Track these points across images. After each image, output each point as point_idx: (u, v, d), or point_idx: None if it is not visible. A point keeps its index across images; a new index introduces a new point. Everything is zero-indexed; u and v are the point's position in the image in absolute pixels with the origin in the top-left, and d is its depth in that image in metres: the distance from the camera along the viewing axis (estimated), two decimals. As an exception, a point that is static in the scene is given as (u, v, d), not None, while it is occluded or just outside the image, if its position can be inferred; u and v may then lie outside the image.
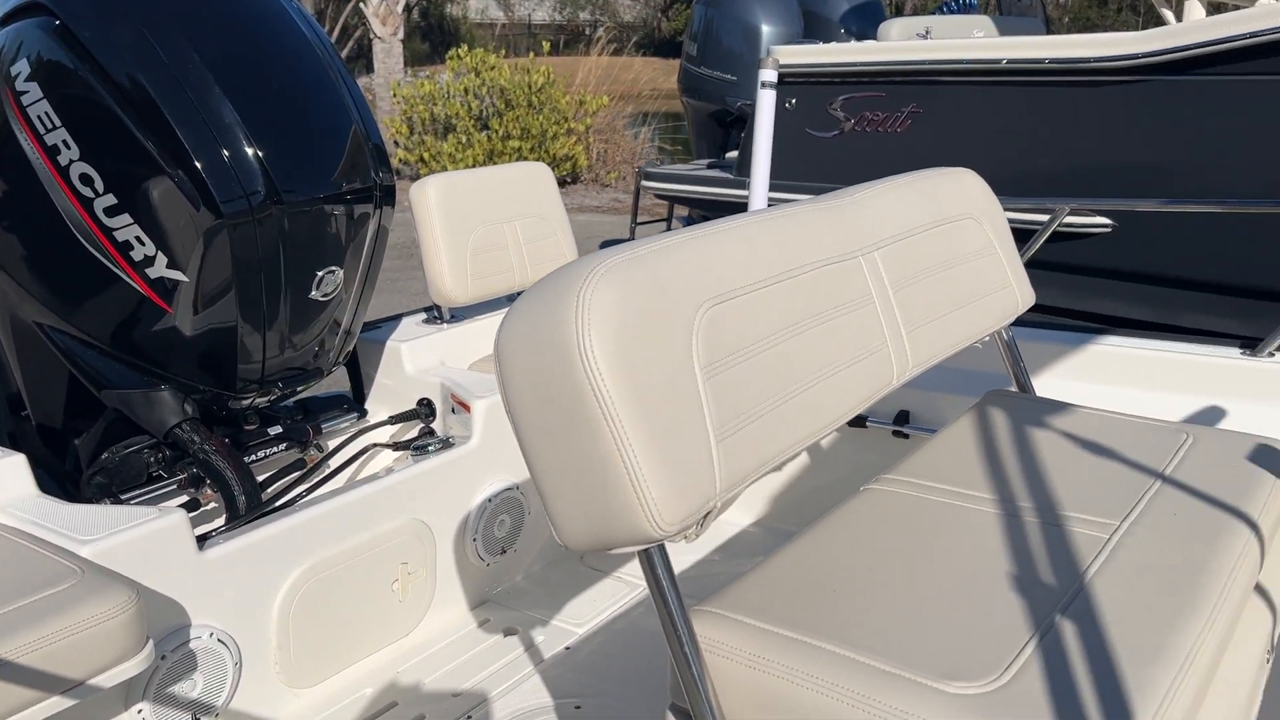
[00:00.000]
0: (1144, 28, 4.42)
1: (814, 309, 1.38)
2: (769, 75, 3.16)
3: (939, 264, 1.71)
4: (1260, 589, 1.48)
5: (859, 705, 1.09)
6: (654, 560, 1.13)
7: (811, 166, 5.06)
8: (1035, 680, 1.08)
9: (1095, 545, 1.37)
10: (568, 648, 2.37)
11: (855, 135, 4.95)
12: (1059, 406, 1.88)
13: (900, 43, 4.75)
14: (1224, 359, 2.32)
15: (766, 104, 3.15)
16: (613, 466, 1.06)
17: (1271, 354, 2.32)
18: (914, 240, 1.66)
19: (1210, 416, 2.30)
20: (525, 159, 11.12)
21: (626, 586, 2.64)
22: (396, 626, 2.36)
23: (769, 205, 3.52)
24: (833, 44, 5.14)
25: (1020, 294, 1.92)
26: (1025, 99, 4.38)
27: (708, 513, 1.13)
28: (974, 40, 4.50)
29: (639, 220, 6.40)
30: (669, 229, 6.74)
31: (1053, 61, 4.23)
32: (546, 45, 12.35)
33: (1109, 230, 4.26)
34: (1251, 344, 2.36)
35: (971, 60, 4.45)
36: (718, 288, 1.23)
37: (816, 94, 5.07)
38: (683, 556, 2.80)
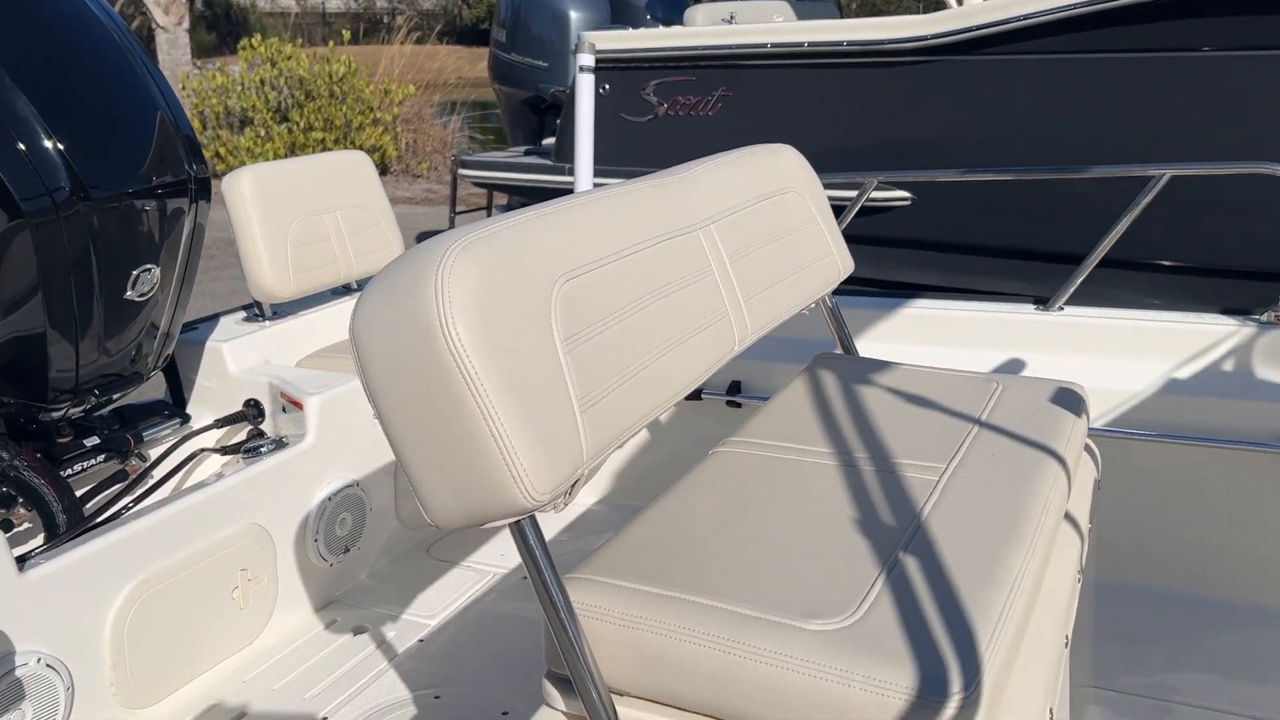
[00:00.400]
0: (924, 12, 4.71)
1: (660, 282, 1.43)
2: (586, 60, 3.20)
3: (768, 236, 1.79)
4: (1069, 516, 1.64)
5: (730, 650, 1.14)
6: (526, 531, 1.15)
7: (628, 151, 5.14)
8: (887, 612, 1.17)
9: (927, 488, 1.48)
10: (421, 640, 2.35)
11: (669, 119, 5.06)
12: (882, 365, 2.00)
13: (708, 28, 4.89)
14: (1021, 315, 2.53)
15: (586, 89, 3.18)
16: (482, 441, 1.07)
17: (1060, 308, 2.54)
18: (745, 214, 1.73)
19: (1014, 366, 2.50)
20: (331, 151, 10.75)
21: (475, 575, 2.64)
22: (239, 635, 2.28)
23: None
24: (644, 29, 5.23)
25: (841, 262, 2.04)
26: (827, 81, 4.59)
27: (575, 481, 1.16)
28: (777, 25, 4.68)
29: (457, 210, 6.33)
30: (489, 215, 6.67)
31: (850, 44, 4.45)
32: (346, 34, 11.98)
33: (908, 204, 4.53)
34: (1043, 301, 2.58)
35: (775, 44, 4.63)
36: (571, 263, 1.25)
37: (629, 79, 5.14)
38: (582, 540, 2.81)
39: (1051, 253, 4.12)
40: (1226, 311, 2.43)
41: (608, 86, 5.25)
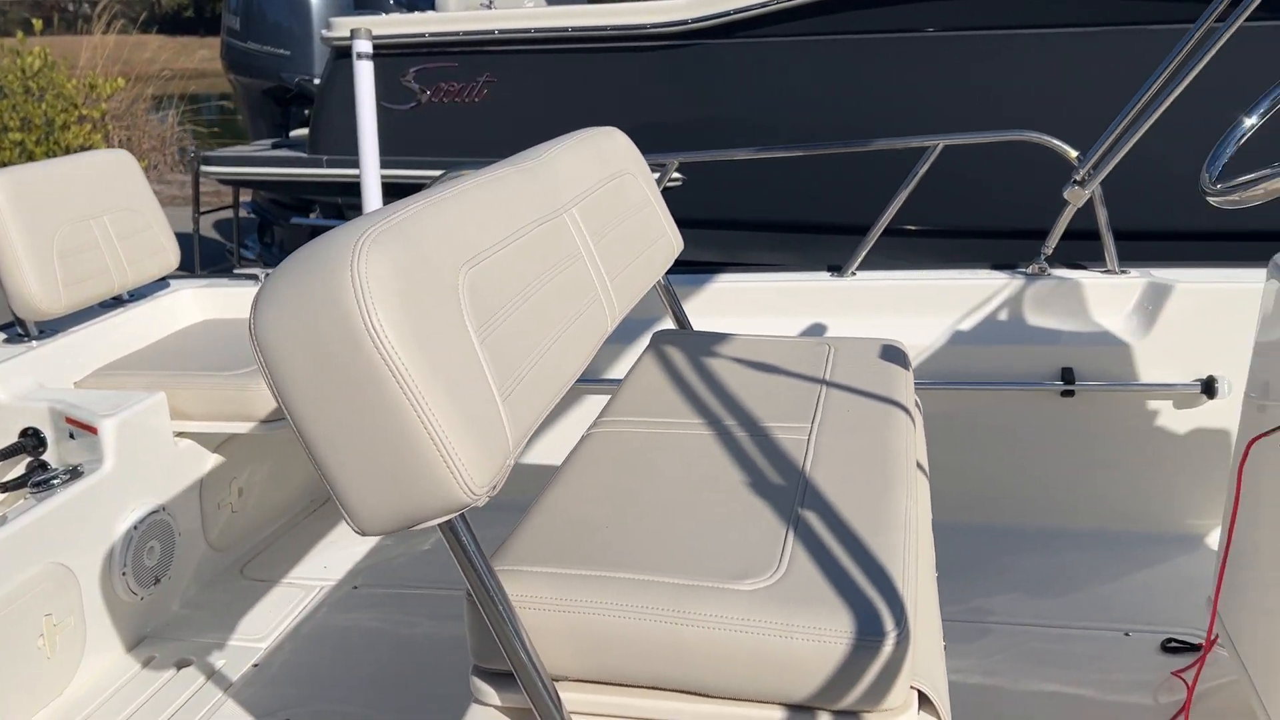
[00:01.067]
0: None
1: (545, 266, 1.42)
2: (364, 46, 3.08)
3: (617, 217, 1.81)
4: (916, 461, 1.78)
5: (671, 620, 1.16)
6: (458, 528, 1.12)
7: (393, 140, 4.99)
8: (807, 565, 1.23)
9: (800, 446, 1.56)
10: (256, 665, 2.21)
11: (434, 107, 4.95)
12: (720, 337, 2.08)
13: (469, 13, 4.82)
14: (821, 283, 2.69)
15: (366, 78, 3.07)
16: (417, 438, 1.03)
17: (854, 274, 2.73)
18: (596, 196, 1.75)
19: (817, 330, 2.66)
20: (31, 153, 9.73)
21: (300, 591, 2.51)
22: (48, 686, 2.05)
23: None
24: (398, 15, 5.08)
25: (674, 240, 2.09)
26: (591, 65, 4.65)
27: (504, 472, 1.14)
28: (540, 10, 4.68)
29: (202, 210, 5.91)
30: (236, 215, 6.27)
31: (613, 28, 4.52)
32: (38, 24, 10.83)
33: (679, 184, 4.68)
34: (837, 268, 2.76)
35: (539, 29, 4.63)
36: (468, 251, 1.22)
37: (386, 67, 4.99)
38: (408, 544, 2.70)
39: (818, 224, 4.39)
40: (997, 267, 2.69)
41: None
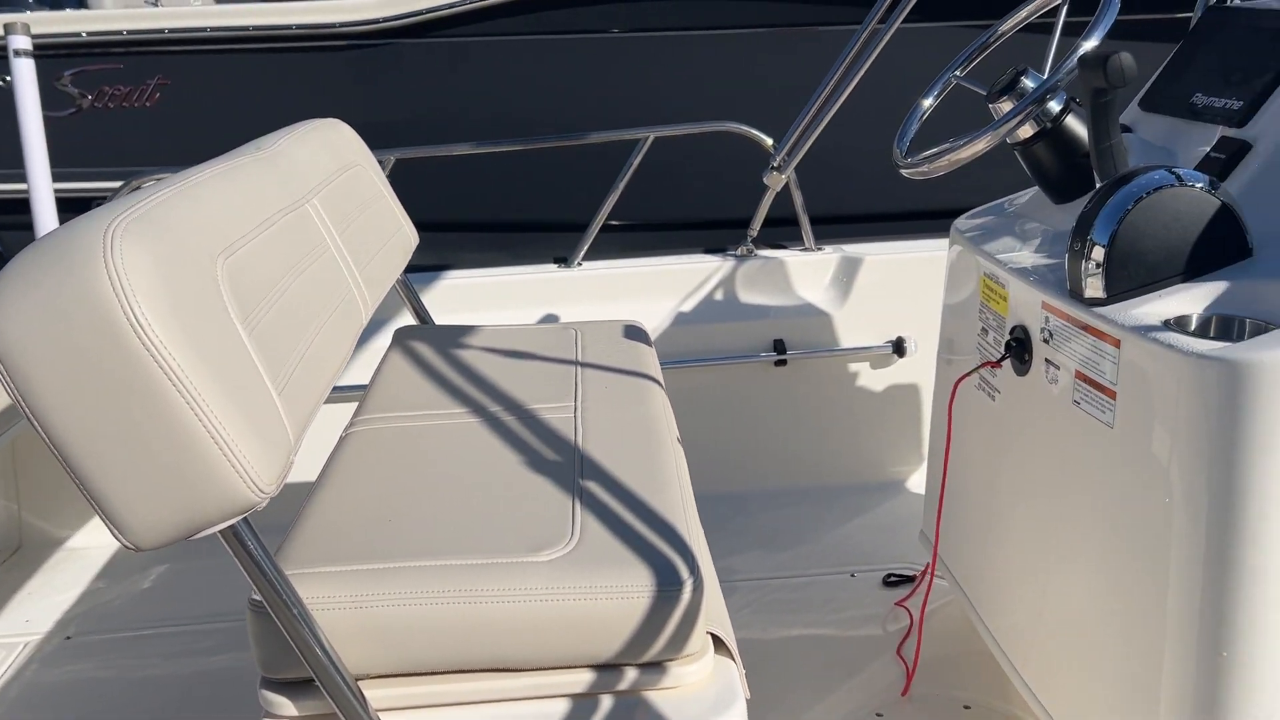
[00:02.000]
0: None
1: (297, 256, 1.36)
2: (21, 43, 2.78)
3: (355, 209, 1.76)
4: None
5: (473, 600, 1.16)
6: (243, 532, 1.05)
7: (51, 151, 4.49)
8: (600, 530, 1.26)
9: (569, 424, 1.59)
10: None
11: (98, 112, 4.52)
12: (464, 329, 2.07)
13: (133, 10, 4.44)
14: (551, 274, 2.74)
15: (26, 77, 2.77)
16: (195, 438, 0.96)
17: (580, 264, 2.80)
18: (334, 187, 1.69)
19: (556, 319, 2.71)
20: None
21: (1, 650, 2.22)
22: None
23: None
24: (45, 13, 4.58)
25: (410, 234, 2.06)
26: (277, 66, 4.44)
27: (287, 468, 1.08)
28: (218, 8, 4.40)
29: None
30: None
31: (299, 28, 4.34)
32: None
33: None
34: (563, 260, 2.82)
35: (216, 28, 4.35)
36: (223, 240, 1.15)
37: (39, 70, 4.48)
38: (125, 584, 2.43)
39: (531, 223, 4.45)
40: (709, 251, 2.86)
41: (9, 79, 4.53)
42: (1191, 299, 1.40)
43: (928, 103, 1.94)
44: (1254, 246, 1.44)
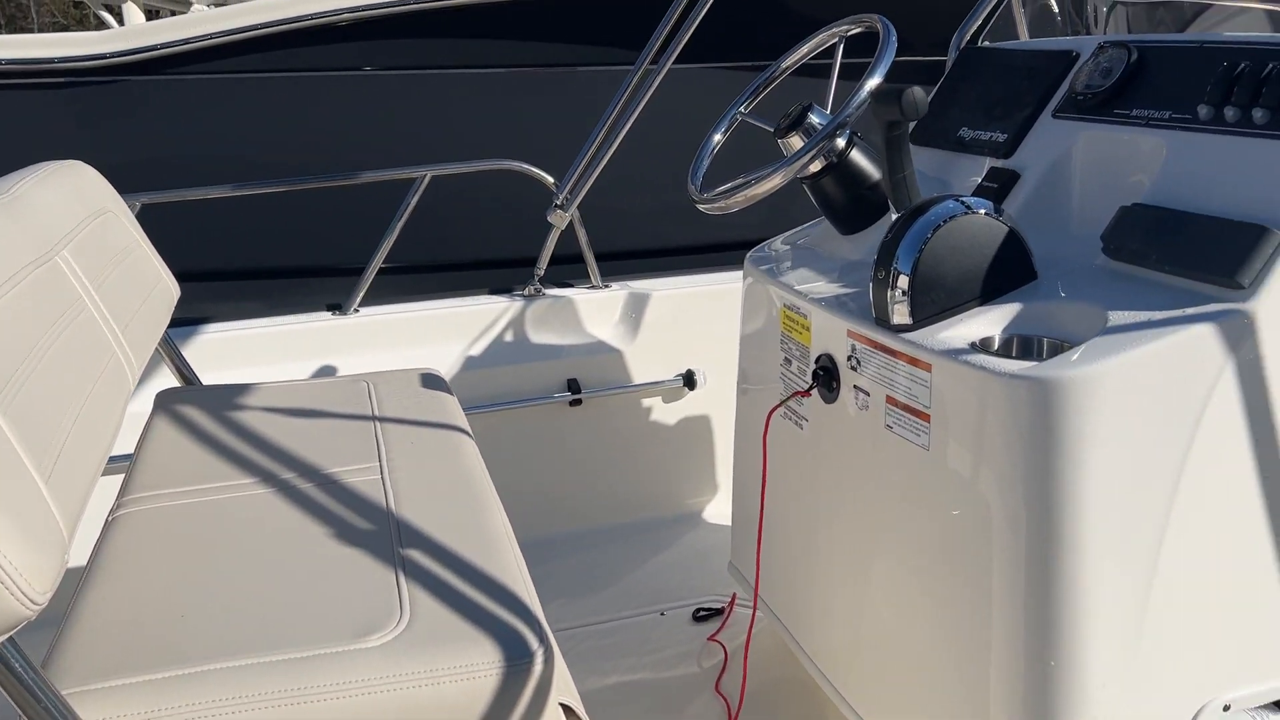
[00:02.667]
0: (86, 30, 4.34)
1: (53, 317, 1.17)
2: None
3: (110, 260, 1.55)
4: None
5: (295, 700, 1.02)
6: (8, 654, 0.87)
7: None
8: (431, 604, 1.15)
9: (376, 487, 1.46)
10: None
11: None
12: (241, 389, 1.88)
13: None
14: (326, 322, 2.56)
15: None
16: None
17: (356, 310, 2.64)
18: (85, 237, 1.48)
19: (333, 371, 2.53)
20: None
21: None
22: None
23: None
24: None
25: (171, 286, 1.85)
26: (-15, 104, 3.97)
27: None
28: (-93, 38, 3.87)
29: None
30: None
31: (10, 63, 3.90)
32: None
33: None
34: (337, 306, 2.65)
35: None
36: None
37: None
38: None
39: (301, 269, 4.18)
40: (496, 292, 2.77)
41: None
42: (990, 321, 1.47)
43: (717, 138, 1.96)
44: (1036, 269, 1.53)
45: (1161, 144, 1.53)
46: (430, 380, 1.93)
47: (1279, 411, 1.31)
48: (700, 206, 1.84)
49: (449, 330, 2.63)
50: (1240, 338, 1.27)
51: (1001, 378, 1.29)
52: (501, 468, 2.61)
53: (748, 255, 2.03)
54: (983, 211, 1.48)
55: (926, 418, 1.43)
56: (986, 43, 2.12)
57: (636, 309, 2.75)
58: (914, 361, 1.45)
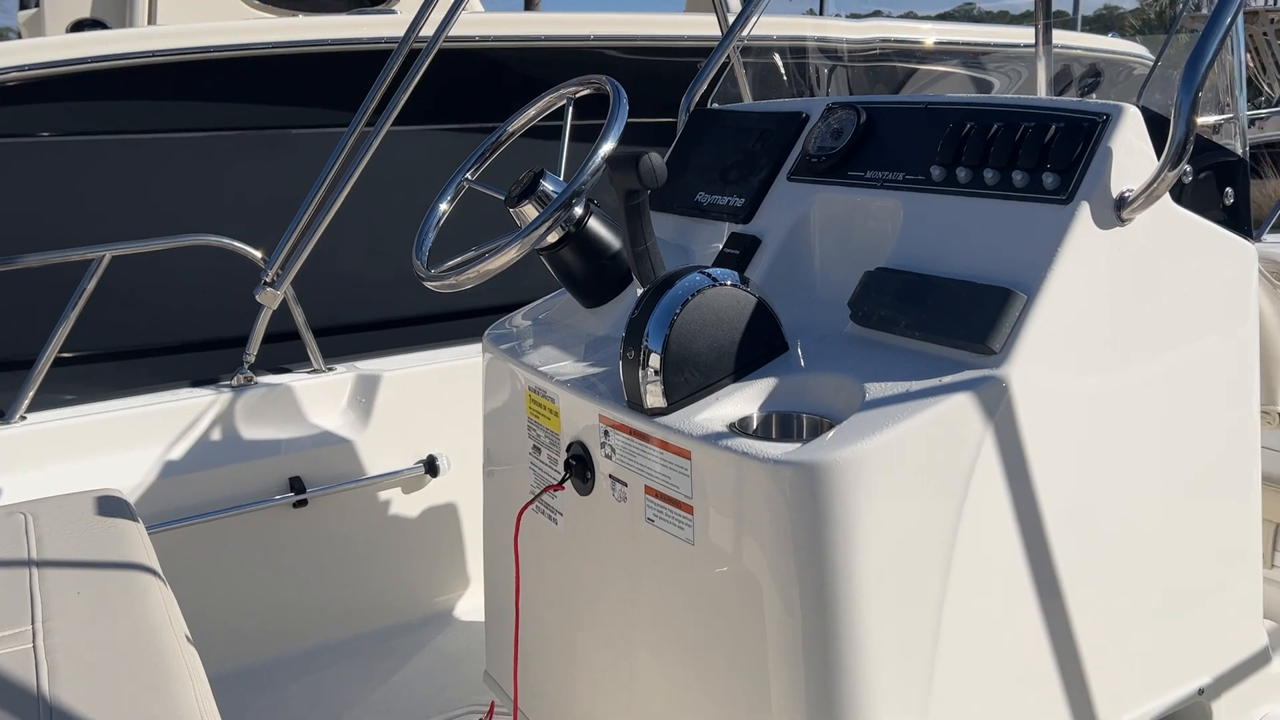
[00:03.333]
0: None
1: None
2: None
3: None
4: None
5: None
6: None
7: None
8: None
9: (24, 663, 1.16)
10: None
11: None
12: None
13: None
14: None
15: None
16: None
17: (23, 418, 2.23)
18: None
19: None
20: None
21: None
22: None
23: None
24: None
25: None
26: None
27: None
28: None
29: None
30: None
31: None
32: None
33: None
34: (0, 414, 2.23)
35: None
36: None
37: None
38: None
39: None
40: (198, 383, 2.44)
41: None
42: (747, 399, 1.37)
43: (443, 207, 1.78)
44: (787, 339, 1.45)
45: (898, 205, 1.50)
46: (108, 504, 1.61)
47: (1038, 471, 1.28)
48: (428, 285, 1.66)
49: (139, 434, 2.28)
50: (997, 403, 1.23)
51: (765, 464, 1.19)
52: (209, 592, 2.27)
53: (486, 332, 1.86)
54: (729, 283, 1.39)
55: (689, 509, 1.31)
56: (715, 105, 2.07)
57: (366, 392, 2.50)
58: (671, 448, 1.32)
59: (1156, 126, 1.34)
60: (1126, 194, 1.30)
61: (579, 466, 1.51)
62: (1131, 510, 1.38)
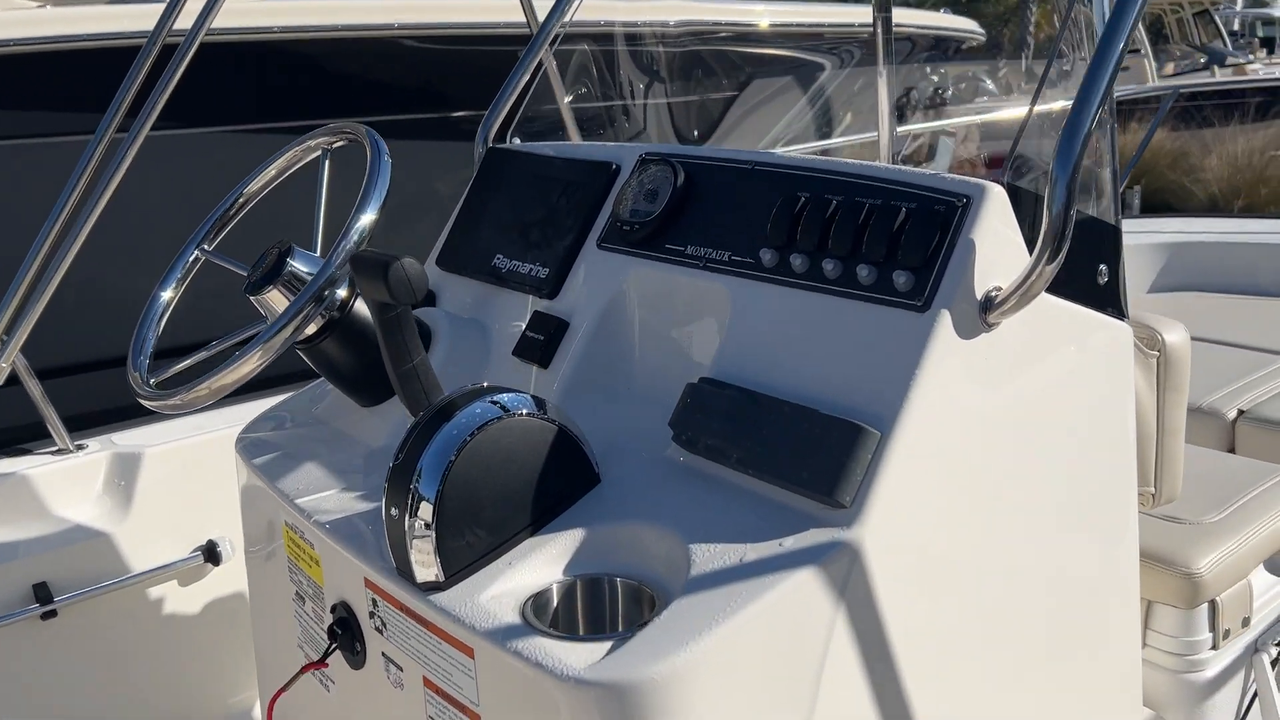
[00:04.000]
0: None
1: None
2: None
3: None
4: None
5: None
6: None
7: None
8: None
9: None
10: None
11: None
12: None
13: None
14: None
15: None
16: None
17: None
18: None
19: None
20: None
21: None
22: None
23: None
24: None
25: None
26: None
27: None
28: None
29: None
30: None
31: None
32: None
33: None
34: None
35: None
36: None
37: None
38: None
39: None
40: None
41: None
42: (548, 560, 1.09)
43: (167, 295, 1.43)
44: (599, 469, 1.18)
45: (724, 294, 1.24)
46: None
47: (899, 639, 1.06)
48: (148, 404, 1.31)
49: None
50: (848, 573, 0.99)
51: (564, 683, 0.92)
52: None
53: (239, 436, 1.52)
54: (524, 411, 1.10)
55: (476, 717, 1.03)
56: (517, 141, 1.77)
57: (126, 473, 2.11)
58: (450, 640, 1.04)
59: (1023, 204, 1.12)
60: (993, 294, 1.07)
61: (346, 635, 1.21)
62: (1005, 637, 1.17)
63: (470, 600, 1.03)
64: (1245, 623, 1.62)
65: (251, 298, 1.34)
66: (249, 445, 1.47)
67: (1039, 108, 1.40)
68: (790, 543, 0.99)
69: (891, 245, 1.10)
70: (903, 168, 1.16)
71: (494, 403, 1.09)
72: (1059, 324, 1.16)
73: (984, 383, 1.09)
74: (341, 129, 1.42)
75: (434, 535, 1.05)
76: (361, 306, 1.37)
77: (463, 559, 1.06)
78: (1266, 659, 1.64)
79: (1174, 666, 1.58)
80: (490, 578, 1.06)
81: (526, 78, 1.74)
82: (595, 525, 1.10)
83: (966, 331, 1.06)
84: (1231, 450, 2.34)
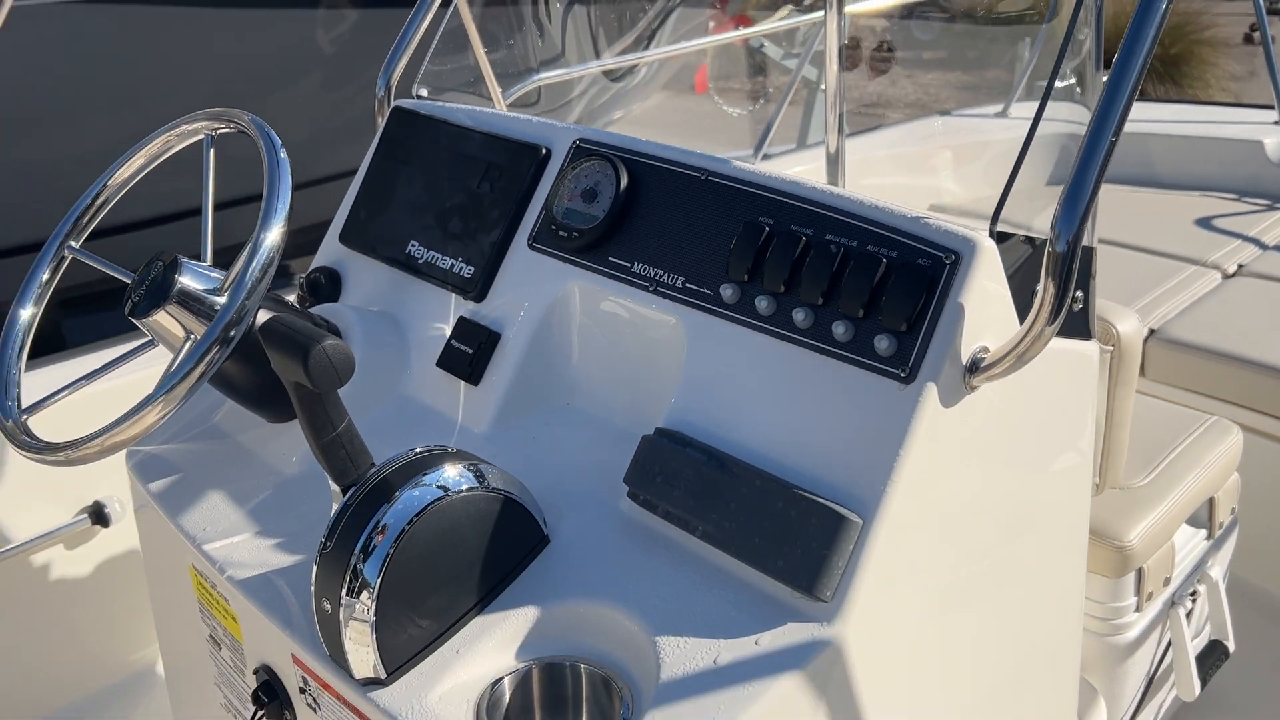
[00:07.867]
0: None
1: None
2: None
3: None
4: None
5: None
6: None
7: None
8: None
9: None
10: None
11: None
12: None
13: None
14: None
15: None
16: None
17: None
18: None
19: None
20: None
21: None
22: None
23: None
24: None
25: None
26: None
27: None
28: None
29: None
30: None
31: None
32: None
33: None
34: None
35: None
36: None
37: None
38: None
39: None
40: None
41: None
42: (500, 644, 1.00)
43: (27, 315, 1.23)
44: (547, 527, 1.08)
45: (678, 327, 1.13)
46: None
47: None
48: (29, 457, 1.14)
49: None
50: (831, 672, 0.94)
51: None
52: None
53: (129, 450, 1.36)
54: (465, 488, 0.99)
55: None
56: (423, 93, 1.57)
57: None
58: None
59: (1010, 254, 1.03)
60: (980, 356, 0.99)
61: (274, 705, 1.11)
62: (970, 702, 1.16)
63: (417, 701, 0.95)
64: (1166, 582, 1.66)
65: (138, 321, 1.17)
66: (144, 462, 1.32)
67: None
68: (768, 640, 0.93)
69: (871, 301, 1.00)
70: (877, 204, 1.05)
71: (439, 488, 0.97)
72: (1036, 364, 1.09)
73: (965, 449, 1.02)
74: (224, 114, 1.21)
75: (373, 632, 0.95)
76: (263, 316, 1.21)
77: (405, 652, 0.97)
78: (1182, 612, 1.69)
79: (1100, 631, 1.61)
80: (437, 669, 0.98)
81: (429, 18, 1.53)
82: (548, 600, 1.02)
83: (950, 399, 0.98)
84: (1141, 373, 2.36)
